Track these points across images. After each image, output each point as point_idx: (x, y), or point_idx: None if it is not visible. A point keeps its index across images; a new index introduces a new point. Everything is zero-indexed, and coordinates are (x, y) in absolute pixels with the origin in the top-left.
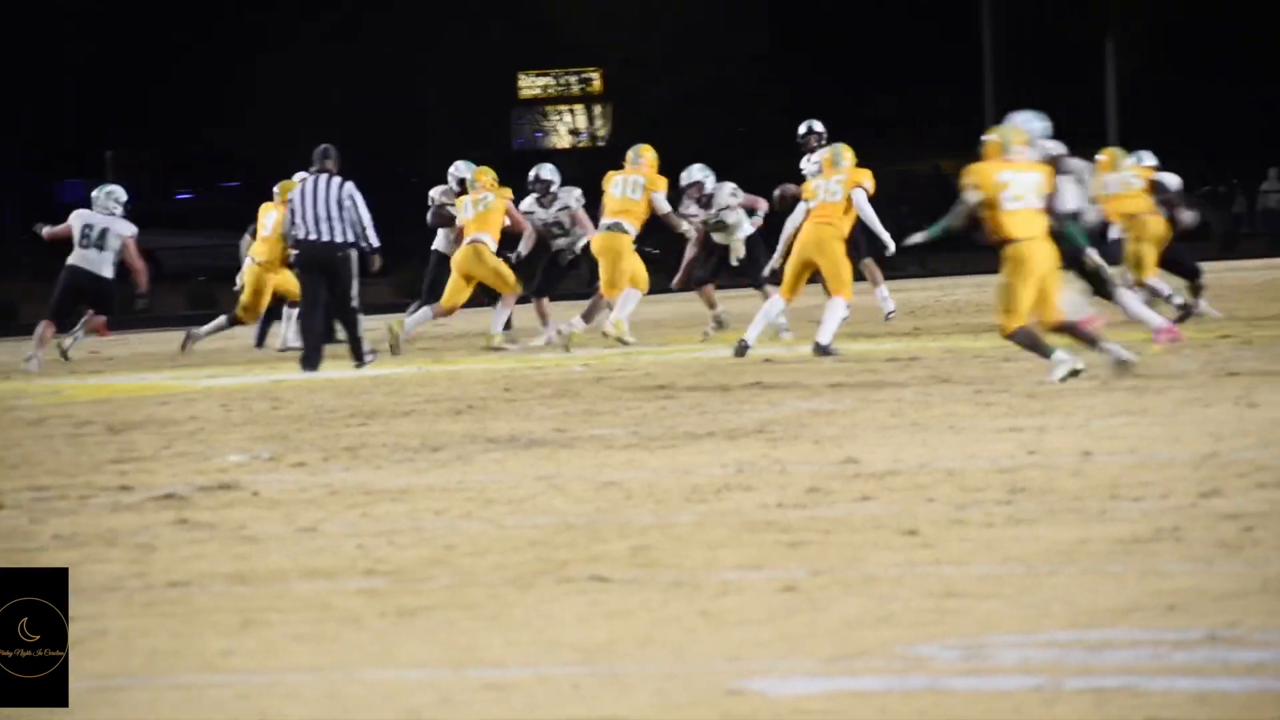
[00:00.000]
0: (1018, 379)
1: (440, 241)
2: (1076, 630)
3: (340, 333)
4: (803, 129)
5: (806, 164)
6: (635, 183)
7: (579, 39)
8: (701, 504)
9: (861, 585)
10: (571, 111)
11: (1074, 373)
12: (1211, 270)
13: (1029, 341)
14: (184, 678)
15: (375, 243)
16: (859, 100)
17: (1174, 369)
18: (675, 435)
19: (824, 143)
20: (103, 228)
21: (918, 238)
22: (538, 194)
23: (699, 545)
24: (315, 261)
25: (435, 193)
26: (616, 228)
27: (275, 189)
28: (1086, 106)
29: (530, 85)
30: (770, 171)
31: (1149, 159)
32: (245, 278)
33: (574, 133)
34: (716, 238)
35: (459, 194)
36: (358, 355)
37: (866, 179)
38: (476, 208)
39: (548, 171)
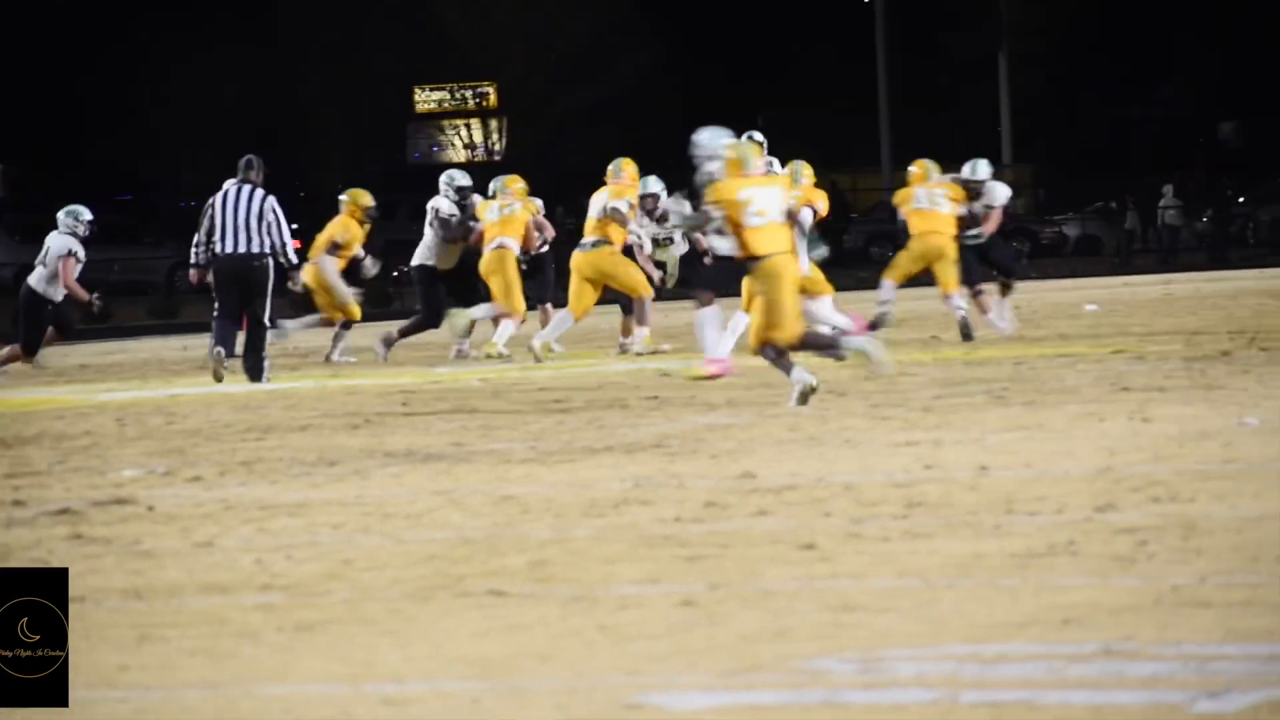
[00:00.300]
0: (913, 393)
1: (424, 255)
2: (973, 644)
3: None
4: (742, 139)
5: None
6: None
7: (475, 53)
8: (599, 518)
9: (759, 599)
10: (467, 126)
11: (812, 390)
12: (1105, 286)
13: (817, 342)
14: (80, 694)
15: (294, 260)
16: (753, 115)
17: (1068, 384)
18: (573, 450)
19: (763, 152)
20: (47, 246)
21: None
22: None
23: (597, 560)
24: (232, 274)
25: (440, 205)
26: (600, 244)
27: (343, 196)
28: (980, 121)
29: (426, 99)
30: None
31: (984, 169)
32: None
33: (469, 147)
34: (656, 253)
35: (458, 202)
36: (257, 371)
37: (820, 200)
38: (503, 212)
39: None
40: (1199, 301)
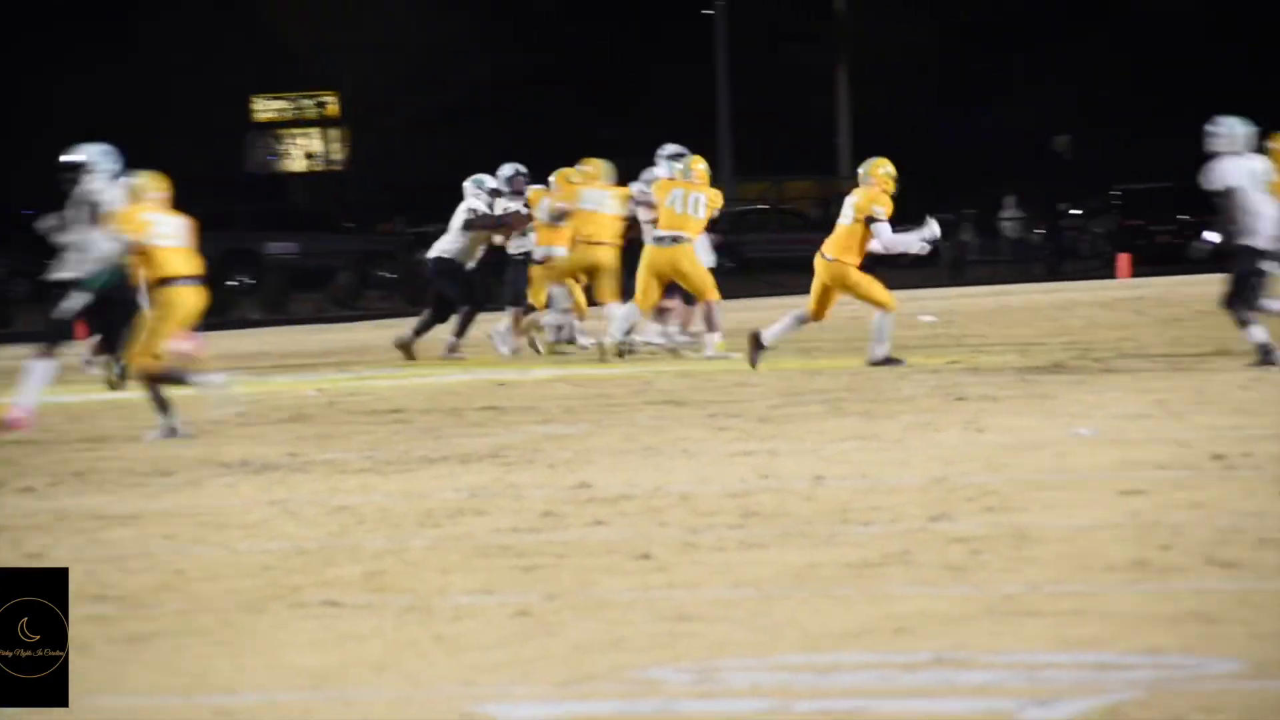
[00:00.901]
0: (750, 403)
1: (444, 249)
2: (806, 653)
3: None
4: (676, 148)
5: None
6: (697, 199)
7: (314, 63)
8: (435, 528)
9: (594, 609)
10: (307, 135)
11: (172, 431)
12: (941, 296)
13: (155, 393)
14: None
15: None
16: (591, 124)
17: (904, 394)
18: (409, 459)
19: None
20: None
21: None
22: (512, 190)
23: (432, 570)
24: None
25: (475, 205)
26: (679, 239)
27: (552, 178)
28: (819, 132)
29: (264, 109)
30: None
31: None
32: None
33: (310, 156)
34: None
35: (490, 204)
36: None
37: (880, 206)
38: (603, 205)
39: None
40: (1033, 313)
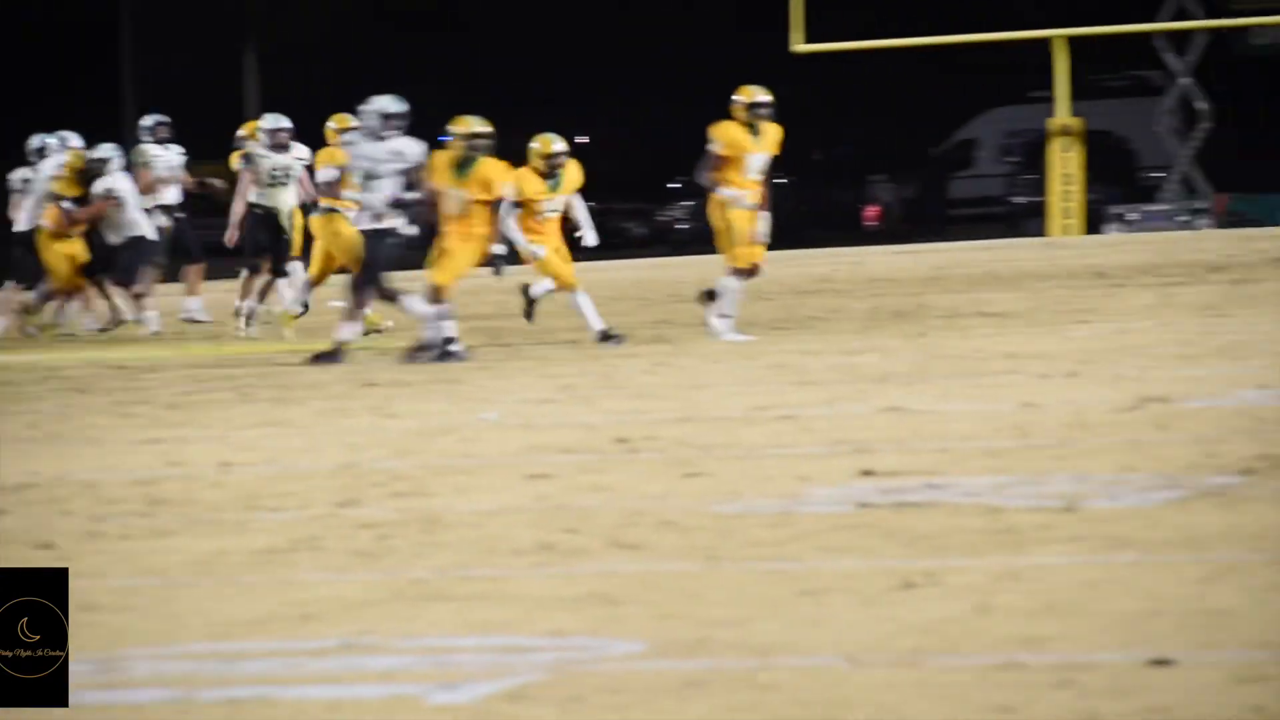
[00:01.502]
0: (158, 390)
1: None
2: (212, 642)
3: None
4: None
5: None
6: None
7: None
8: None
9: None
10: None
11: None
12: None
13: None
14: None
15: None
16: None
17: (314, 380)
18: None
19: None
20: None
21: None
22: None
23: None
24: None
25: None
26: (330, 211)
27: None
28: (231, 115)
29: None
30: None
31: (74, 140)
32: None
33: None
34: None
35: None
36: None
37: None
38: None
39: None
40: None
